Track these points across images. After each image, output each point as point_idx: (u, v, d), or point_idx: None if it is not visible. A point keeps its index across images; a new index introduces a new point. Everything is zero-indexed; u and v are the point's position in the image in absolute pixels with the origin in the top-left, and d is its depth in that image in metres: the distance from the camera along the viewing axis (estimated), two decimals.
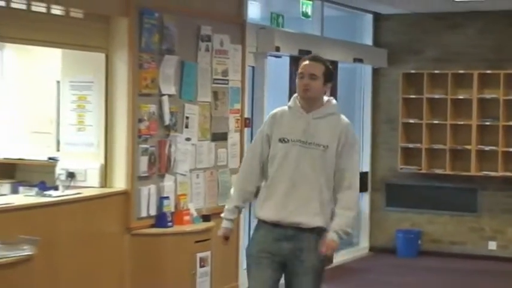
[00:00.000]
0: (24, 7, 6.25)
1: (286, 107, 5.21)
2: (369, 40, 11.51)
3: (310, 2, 9.61)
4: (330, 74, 5.20)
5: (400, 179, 11.33)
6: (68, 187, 6.80)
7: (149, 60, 7.20)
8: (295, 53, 9.31)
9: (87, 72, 7.16)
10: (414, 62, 11.24)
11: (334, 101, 5.21)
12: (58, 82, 7.54)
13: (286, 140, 5.04)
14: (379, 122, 11.51)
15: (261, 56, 9.02)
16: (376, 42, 11.52)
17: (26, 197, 6.56)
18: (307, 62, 5.14)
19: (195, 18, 7.75)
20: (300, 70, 5.12)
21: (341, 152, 5.03)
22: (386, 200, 11.48)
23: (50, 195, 6.50)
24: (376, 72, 11.50)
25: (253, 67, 8.99)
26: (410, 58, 11.28)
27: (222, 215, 5.22)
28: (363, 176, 11.34)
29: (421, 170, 11.03)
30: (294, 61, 9.24)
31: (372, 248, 11.52)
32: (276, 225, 5.01)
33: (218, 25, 8.05)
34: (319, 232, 5.00)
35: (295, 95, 5.20)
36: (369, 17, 11.49)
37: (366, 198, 11.48)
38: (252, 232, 5.31)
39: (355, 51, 10.83)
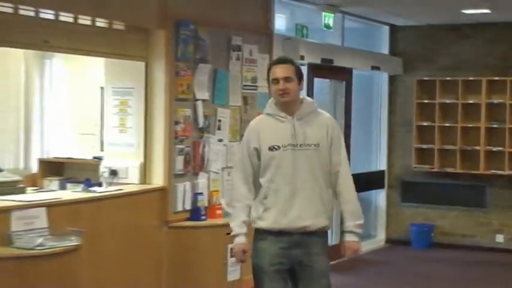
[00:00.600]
0: (71, 20, 6.29)
1: (263, 116, 4.85)
2: (385, 49, 11.47)
3: (332, 15, 9.60)
4: (301, 72, 4.83)
5: (414, 177, 11.29)
6: (110, 184, 6.81)
7: (185, 68, 7.21)
8: (318, 61, 9.31)
9: (128, 79, 7.18)
10: (427, 69, 11.20)
11: (310, 99, 4.90)
12: (102, 88, 7.57)
13: (276, 147, 4.65)
14: (395, 124, 11.47)
15: None
16: (392, 51, 11.48)
17: (73, 192, 6.60)
18: (278, 65, 4.76)
19: (227, 30, 7.75)
20: (273, 76, 4.73)
21: (331, 146, 4.73)
22: (402, 196, 11.44)
23: (94, 191, 6.53)
24: (392, 79, 11.47)
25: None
26: (424, 66, 11.24)
27: (232, 233, 4.77)
28: (380, 173, 11.39)
29: (433, 168, 10.98)
30: (312, 68, 9.21)
31: (388, 240, 11.49)
32: (280, 233, 4.66)
33: (248, 36, 8.05)
34: (324, 233, 4.78)
35: (270, 101, 4.83)
36: (386, 29, 11.46)
37: (382, 194, 11.48)
38: (254, 242, 4.81)
39: (373, 60, 10.81)
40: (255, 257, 4.75)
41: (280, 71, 4.71)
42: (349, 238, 4.69)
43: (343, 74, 10.15)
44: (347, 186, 4.77)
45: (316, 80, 9.67)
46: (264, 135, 4.71)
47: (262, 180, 4.70)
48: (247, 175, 4.76)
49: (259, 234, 4.74)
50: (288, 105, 4.71)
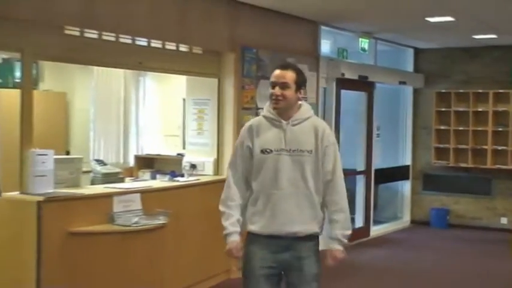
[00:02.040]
0: (160, 46, 6.36)
1: (261, 117, 3.82)
2: (410, 68, 11.33)
3: (367, 40, 9.52)
4: (302, 80, 3.78)
5: (434, 171, 11.12)
6: (190, 175, 6.86)
7: (249, 83, 7.23)
8: (356, 77, 9.24)
9: (205, 92, 7.22)
10: (444, 83, 11.03)
11: (307, 104, 3.85)
12: (184, 99, 7.64)
13: (268, 150, 3.67)
14: (418, 128, 11.32)
15: (330, 80, 8.95)
16: (416, 69, 11.33)
17: (161, 181, 6.67)
18: (278, 71, 3.73)
19: (282, 53, 7.74)
20: (271, 79, 3.74)
21: (324, 153, 3.71)
22: (423, 185, 11.28)
23: (178, 181, 6.60)
24: (415, 91, 11.30)
25: (324, 88, 8.93)
26: (442, 81, 11.07)
27: (225, 231, 3.74)
28: (406, 167, 11.26)
29: (449, 164, 10.81)
30: (339, 82, 9.07)
31: (412, 221, 11.33)
32: (270, 237, 3.68)
33: (299, 57, 8.02)
34: (314, 238, 3.76)
35: (268, 103, 3.82)
36: (410, 51, 11.31)
37: (408, 184, 11.32)
38: (245, 245, 3.80)
39: (400, 76, 10.67)
40: (245, 260, 3.78)
41: (278, 76, 3.72)
42: (335, 246, 3.72)
43: (365, 87, 9.99)
44: (341, 195, 3.77)
45: (348, 92, 9.54)
46: (259, 136, 3.74)
47: (253, 183, 3.74)
48: (239, 174, 3.81)
49: (249, 237, 3.78)
50: (284, 110, 3.73)
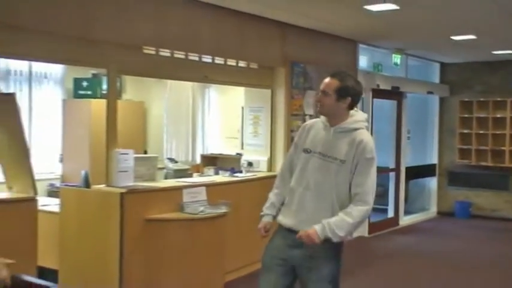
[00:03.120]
0: (222, 62, 6.39)
1: (318, 119, 3.45)
2: (437, 79, 11.14)
3: (399, 56, 9.40)
4: (345, 90, 3.27)
5: (457, 168, 10.91)
6: (248, 171, 6.88)
7: (297, 93, 7.22)
8: (389, 88, 9.13)
9: (260, 101, 7.22)
10: (467, 93, 10.82)
11: (359, 116, 3.35)
12: (242, 107, 7.66)
13: (309, 150, 3.34)
14: (444, 131, 11.13)
15: (367, 90, 8.84)
16: (442, 80, 11.14)
17: (223, 177, 6.70)
18: (327, 78, 3.34)
19: (326, 66, 7.67)
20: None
21: (357, 167, 3.22)
22: (448, 181, 11.08)
23: (237, 176, 6.62)
24: (442, 100, 11.12)
25: (362, 98, 8.82)
26: (465, 91, 10.86)
27: (260, 213, 3.52)
28: (433, 166, 11.08)
29: (471, 162, 10.60)
30: (372, 91, 8.92)
31: (438, 212, 11.15)
32: (290, 231, 3.31)
33: None
34: (330, 242, 3.20)
35: None
36: (437, 65, 11.12)
37: (434, 180, 11.14)
38: (273, 233, 3.49)
39: (428, 87, 10.52)
40: (266, 247, 3.46)
41: (323, 83, 3.33)
42: (316, 227, 3.17)
43: (395, 96, 9.81)
44: (358, 208, 3.20)
45: (382, 100, 9.38)
46: (306, 136, 3.42)
47: (292, 177, 3.43)
48: (286, 167, 3.51)
49: (277, 226, 3.46)
50: (328, 117, 3.36)
